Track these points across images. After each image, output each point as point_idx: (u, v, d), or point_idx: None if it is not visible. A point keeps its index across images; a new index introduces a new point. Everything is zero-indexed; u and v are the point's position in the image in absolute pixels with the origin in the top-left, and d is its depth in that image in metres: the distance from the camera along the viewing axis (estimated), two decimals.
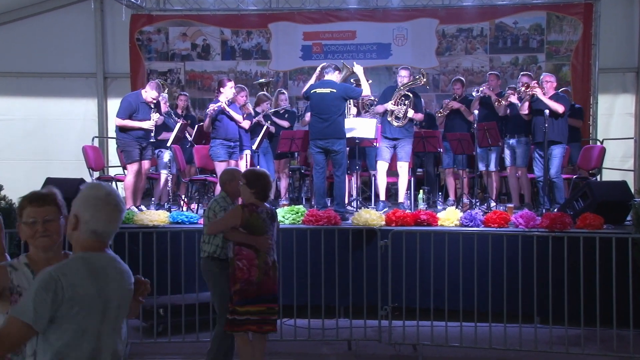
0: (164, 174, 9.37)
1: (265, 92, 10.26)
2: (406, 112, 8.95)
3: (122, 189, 8.97)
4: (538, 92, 8.79)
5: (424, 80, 9.05)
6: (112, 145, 11.94)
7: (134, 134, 8.57)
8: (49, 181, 7.94)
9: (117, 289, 2.64)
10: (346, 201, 9.25)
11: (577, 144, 10.25)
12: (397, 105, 9.01)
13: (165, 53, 13.13)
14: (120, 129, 8.59)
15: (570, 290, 6.42)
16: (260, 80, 11.60)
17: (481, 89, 9.81)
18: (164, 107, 9.93)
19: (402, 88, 9.08)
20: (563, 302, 6.40)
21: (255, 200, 4.93)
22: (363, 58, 12.53)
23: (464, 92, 10.25)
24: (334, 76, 8.59)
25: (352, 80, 10.33)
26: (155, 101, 8.76)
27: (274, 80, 12.36)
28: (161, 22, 13.12)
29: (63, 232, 2.87)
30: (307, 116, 9.59)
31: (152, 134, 8.72)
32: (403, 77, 9.15)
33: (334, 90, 8.42)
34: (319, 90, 8.52)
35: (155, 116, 8.69)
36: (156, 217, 7.80)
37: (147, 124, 8.60)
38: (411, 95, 9.02)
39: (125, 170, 9.59)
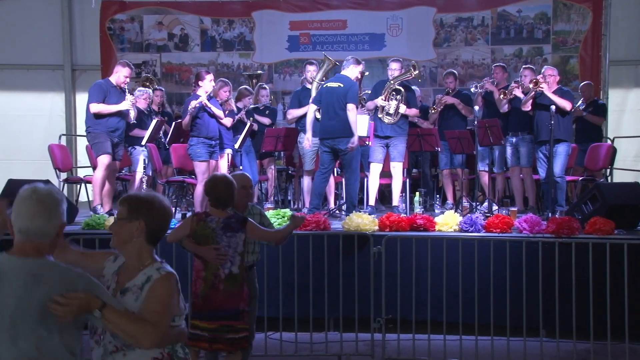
0: (138, 174, 9.32)
1: (247, 87, 10.23)
2: (397, 107, 8.96)
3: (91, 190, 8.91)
4: (545, 88, 8.83)
5: (416, 72, 9.05)
6: (81, 143, 11.87)
7: (105, 125, 8.43)
8: (11, 183, 7.88)
9: (13, 297, 2.66)
10: (334, 205, 9.25)
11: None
12: (388, 101, 9.01)
13: (140, 43, 13.10)
14: (95, 117, 8.42)
15: (578, 300, 6.42)
16: (257, 72, 11.58)
17: (480, 84, 9.82)
18: (144, 104, 9.89)
19: (392, 82, 9.09)
20: (571, 314, 6.41)
21: (211, 208, 4.95)
22: (354, 49, 12.55)
23: (457, 85, 10.26)
24: (349, 70, 8.66)
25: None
26: (128, 80, 8.69)
27: (263, 73, 12.35)
28: (135, 10, 13.08)
29: (135, 234, 3.03)
30: (289, 112, 9.57)
31: (132, 116, 8.72)
32: (394, 70, 9.17)
33: (342, 85, 8.49)
34: (329, 84, 8.65)
35: (130, 97, 8.62)
36: None
37: (124, 105, 8.51)
38: (402, 89, 9.03)
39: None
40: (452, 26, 12.66)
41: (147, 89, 10.40)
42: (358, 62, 8.77)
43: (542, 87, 8.84)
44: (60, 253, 2.96)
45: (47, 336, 2.68)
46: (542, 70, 9.33)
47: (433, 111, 10.19)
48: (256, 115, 9.96)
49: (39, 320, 2.67)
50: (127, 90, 8.68)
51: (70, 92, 13.01)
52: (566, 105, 8.78)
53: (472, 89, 9.94)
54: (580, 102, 10.11)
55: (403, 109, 8.98)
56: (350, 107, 8.45)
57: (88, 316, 2.73)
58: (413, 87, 10.47)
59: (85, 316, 2.73)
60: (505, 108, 9.49)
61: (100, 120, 8.45)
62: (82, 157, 11.95)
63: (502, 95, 9.40)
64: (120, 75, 8.62)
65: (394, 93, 9.04)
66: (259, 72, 11.90)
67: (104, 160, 8.43)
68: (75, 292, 2.69)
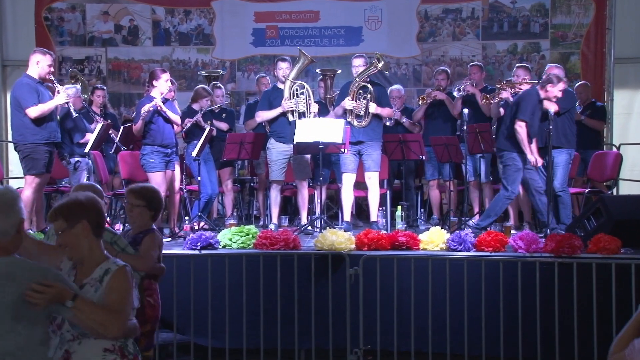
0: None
1: (204, 86, 10.22)
2: (367, 107, 9.00)
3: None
4: (505, 94, 9.03)
5: (381, 65, 9.07)
6: (13, 150, 11.70)
7: (43, 135, 8.25)
8: None
9: None
10: (306, 220, 9.24)
11: (595, 152, 10.19)
12: (356, 101, 9.06)
13: (82, 36, 13.03)
14: (35, 123, 8.19)
15: (581, 328, 6.49)
16: (216, 71, 11.50)
17: (462, 87, 9.89)
18: (78, 102, 9.81)
19: (357, 80, 9.13)
20: (572, 343, 6.48)
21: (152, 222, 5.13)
22: (329, 45, 12.61)
23: (448, 85, 10.33)
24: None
25: (318, 71, 10.42)
26: (52, 69, 8.47)
27: (224, 72, 12.31)
28: None
29: (82, 235, 3.56)
30: (259, 115, 9.46)
31: (73, 110, 8.74)
32: (357, 66, 9.21)
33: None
34: None
35: (62, 87, 8.47)
36: None
37: (60, 99, 8.36)
38: (370, 86, 9.07)
39: None
40: (438, 19, 12.75)
41: (75, 85, 10.20)
42: (559, 79, 8.63)
43: (501, 96, 9.11)
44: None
45: (22, 331, 3.20)
46: (546, 68, 9.37)
47: (421, 102, 10.23)
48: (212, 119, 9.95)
49: (13, 316, 3.17)
50: (55, 81, 8.51)
51: (0, 91, 12.87)
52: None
53: (455, 93, 9.96)
54: (576, 104, 10.14)
55: (373, 107, 8.98)
56: (518, 123, 8.46)
57: (56, 306, 3.24)
58: (396, 86, 10.57)
59: (54, 307, 3.24)
60: (493, 112, 9.55)
61: (38, 129, 8.21)
62: (15, 167, 11.78)
63: (484, 100, 9.44)
64: (43, 65, 8.29)
65: (361, 92, 9.08)
66: (218, 71, 11.84)
67: (35, 180, 8.24)
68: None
